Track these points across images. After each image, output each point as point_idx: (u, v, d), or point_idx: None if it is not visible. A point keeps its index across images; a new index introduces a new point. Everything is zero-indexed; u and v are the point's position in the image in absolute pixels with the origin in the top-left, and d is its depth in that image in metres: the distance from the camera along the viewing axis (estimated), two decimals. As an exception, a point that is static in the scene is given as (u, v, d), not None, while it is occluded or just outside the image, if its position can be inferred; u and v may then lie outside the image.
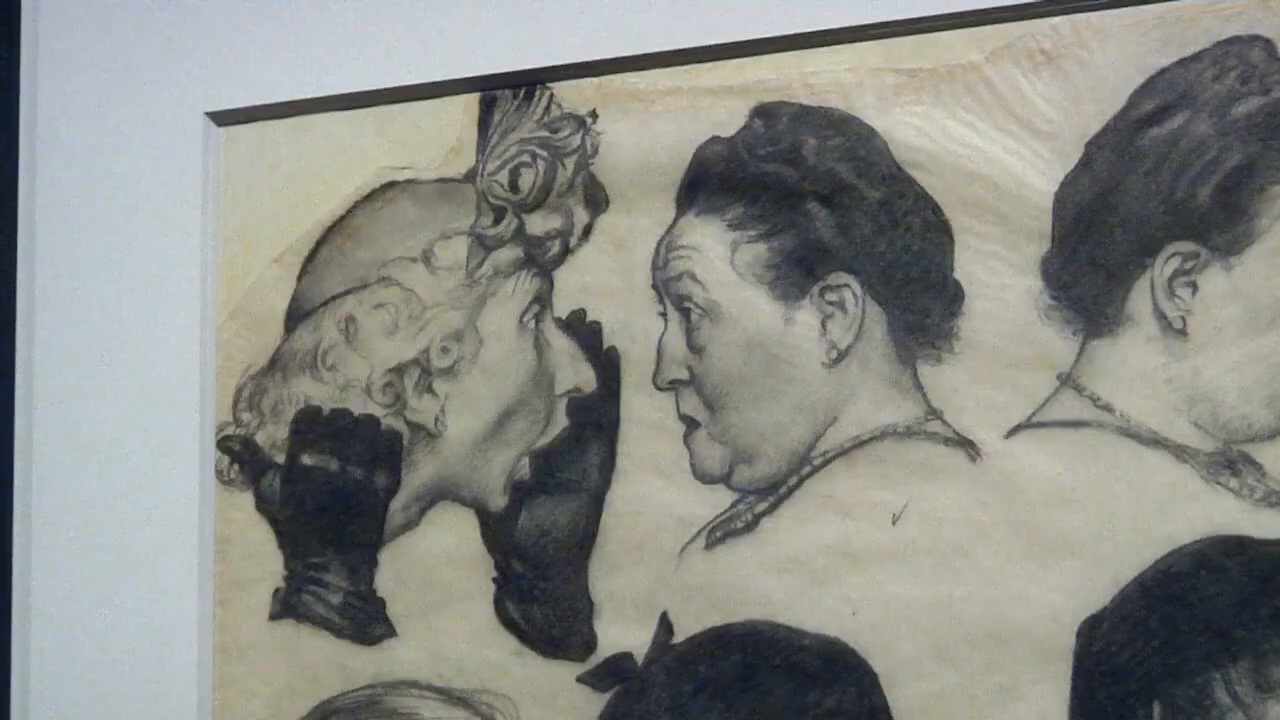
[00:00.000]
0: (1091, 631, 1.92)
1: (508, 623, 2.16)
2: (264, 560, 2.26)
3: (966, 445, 2.00)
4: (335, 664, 2.21)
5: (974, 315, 2.01)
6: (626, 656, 2.10)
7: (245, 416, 2.27)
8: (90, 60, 2.33)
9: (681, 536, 2.09)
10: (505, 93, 2.20)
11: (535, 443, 2.17)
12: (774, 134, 2.08)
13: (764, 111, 2.10)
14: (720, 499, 2.08)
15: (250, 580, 2.27)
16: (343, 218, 2.26)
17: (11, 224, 2.32)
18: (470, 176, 2.22)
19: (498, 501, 2.18)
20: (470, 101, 2.22)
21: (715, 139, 2.11)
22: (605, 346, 2.14)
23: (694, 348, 2.09)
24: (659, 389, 2.12)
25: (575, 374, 2.16)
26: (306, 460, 2.25)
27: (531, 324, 2.18)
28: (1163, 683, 1.88)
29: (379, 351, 2.24)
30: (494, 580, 2.17)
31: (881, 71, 2.05)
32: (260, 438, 2.27)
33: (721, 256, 2.08)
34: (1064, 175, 1.98)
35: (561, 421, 2.16)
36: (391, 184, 2.25)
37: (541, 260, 2.18)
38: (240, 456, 2.28)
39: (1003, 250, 1.99)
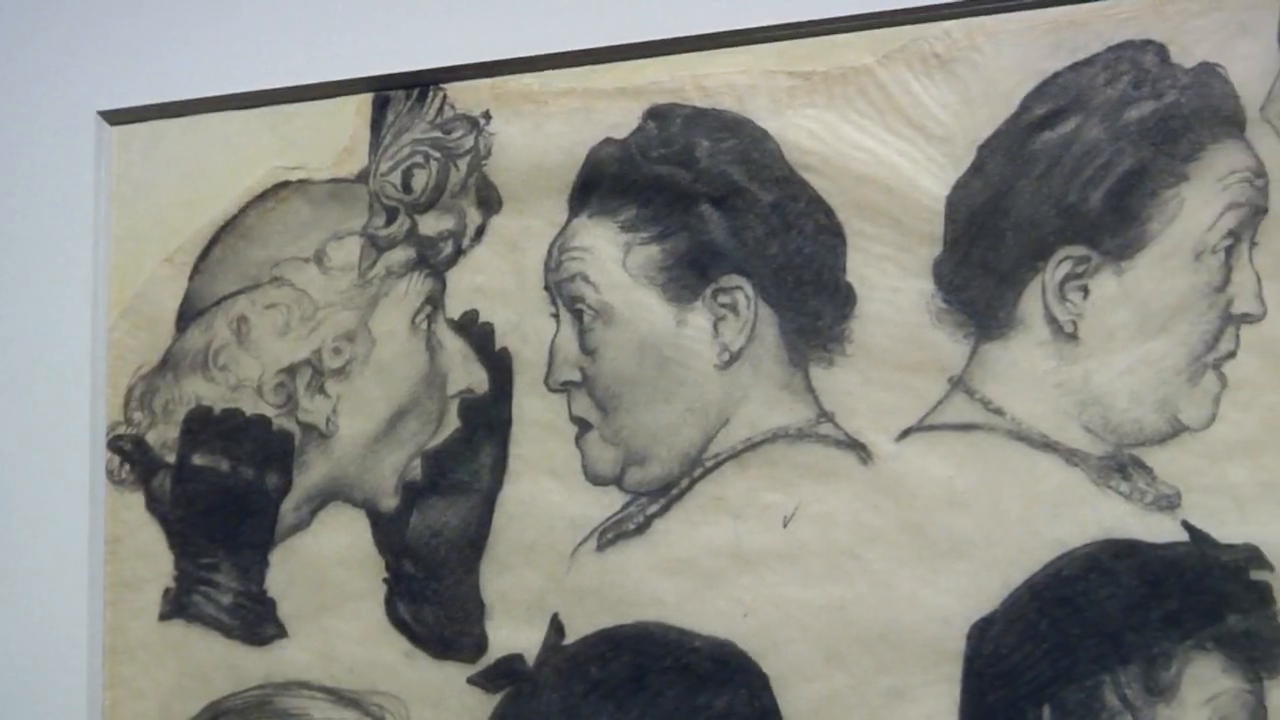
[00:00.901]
0: (982, 634, 1.84)
1: (399, 624, 2.04)
2: (154, 560, 2.13)
3: (858, 448, 1.91)
4: (226, 664, 2.08)
5: (866, 318, 1.92)
6: (517, 658, 1.99)
7: (136, 416, 2.15)
8: (-19, 58, 2.15)
9: (573, 538, 1.99)
10: (398, 93, 2.10)
11: (427, 443, 2.06)
12: (667, 136, 1.99)
13: (657, 113, 2.00)
14: (612, 500, 1.98)
15: (140, 580, 2.14)
16: (235, 217, 2.13)
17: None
18: (363, 177, 2.10)
19: (389, 502, 2.07)
20: (363, 102, 2.11)
21: (609, 141, 2.01)
22: (497, 347, 2.04)
23: (586, 349, 1.99)
24: (551, 390, 2.02)
25: (467, 375, 2.05)
26: (197, 460, 2.13)
27: (424, 325, 2.06)
28: (1053, 685, 1.81)
29: (271, 352, 2.11)
30: (385, 581, 2.05)
31: (774, 74, 1.96)
32: (151, 438, 2.14)
33: (614, 258, 1.98)
34: (956, 179, 1.90)
35: (453, 422, 2.05)
36: (284, 184, 2.13)
37: (434, 261, 2.07)
38: (131, 456, 2.15)
39: (895, 253, 1.91)
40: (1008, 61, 1.89)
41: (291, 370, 2.11)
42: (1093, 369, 1.85)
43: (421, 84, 2.09)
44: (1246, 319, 1.81)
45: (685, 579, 1.94)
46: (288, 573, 2.09)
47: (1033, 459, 1.86)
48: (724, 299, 1.95)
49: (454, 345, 2.07)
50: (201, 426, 2.13)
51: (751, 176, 1.96)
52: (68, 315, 2.18)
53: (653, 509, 1.97)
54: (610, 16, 2.02)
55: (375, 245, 2.09)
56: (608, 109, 2.02)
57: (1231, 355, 1.82)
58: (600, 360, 1.99)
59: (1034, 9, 1.87)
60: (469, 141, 2.07)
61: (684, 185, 1.97)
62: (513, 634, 2.00)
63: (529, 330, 2.03)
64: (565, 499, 2.00)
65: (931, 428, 1.89)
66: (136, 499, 2.17)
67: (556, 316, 2.02)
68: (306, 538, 2.10)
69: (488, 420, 2.04)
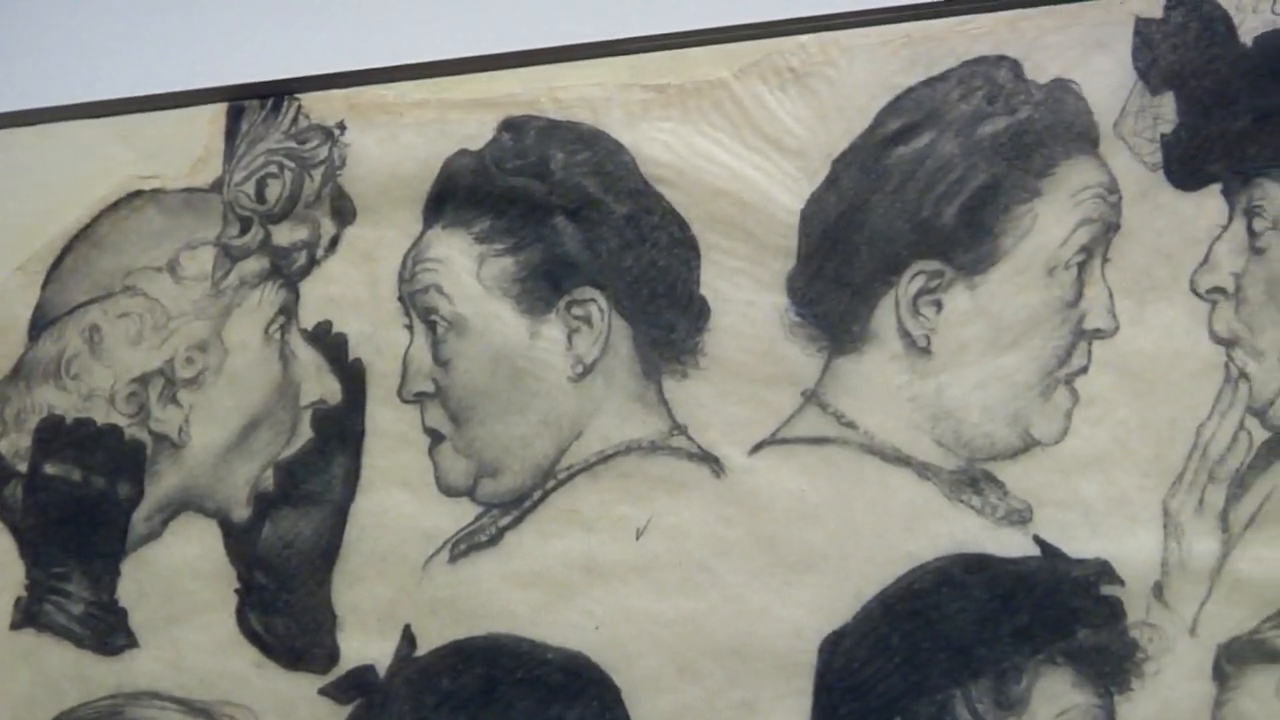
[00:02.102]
0: (833, 648, 1.72)
1: (250, 634, 1.88)
2: (5, 569, 1.93)
3: (711, 461, 1.77)
4: (76, 674, 1.90)
5: (720, 331, 1.77)
6: (369, 669, 1.84)
7: (-12, 425, 1.87)
8: None
9: (425, 549, 1.83)
10: (253, 103, 1.91)
11: (279, 454, 1.90)
12: (522, 148, 1.82)
13: (512, 125, 1.83)
14: (464, 512, 1.83)
15: (-9, 589, 1.87)
16: (88, 226, 1.94)
17: None
18: (217, 186, 1.91)
19: (241, 513, 1.90)
20: (218, 111, 1.92)
21: (463, 152, 1.84)
22: (351, 358, 1.87)
23: (440, 361, 1.83)
24: (404, 401, 1.85)
25: (320, 385, 1.89)
26: (49, 469, 1.93)
27: (277, 335, 1.90)
28: (904, 699, 1.70)
29: (123, 361, 1.92)
30: (237, 592, 1.89)
31: (630, 87, 1.81)
32: (3, 446, 1.95)
33: (468, 270, 1.83)
34: (810, 192, 1.75)
35: (306, 433, 1.89)
36: (138, 193, 1.93)
37: (288, 271, 1.90)
38: (-18, 465, 1.88)
39: (749, 267, 1.77)
40: (862, 76, 1.74)
41: (144, 380, 1.92)
42: (945, 383, 1.72)
43: (276, 94, 1.91)
44: (1098, 334, 1.69)
45: (537, 591, 1.79)
46: (139, 583, 1.90)
47: (885, 473, 1.72)
48: (578, 311, 1.80)
49: (307, 356, 1.90)
50: (53, 435, 1.93)
51: (606, 189, 1.80)
52: (-82, 323, 1.90)
53: (505, 521, 1.82)
54: (465, 28, 1.88)
55: (229, 255, 1.91)
56: (463, 120, 1.84)
57: (1083, 370, 1.70)
58: (453, 372, 1.83)
59: (889, 24, 1.74)
60: (324, 152, 1.90)
61: (538, 197, 1.81)
62: (364, 645, 1.84)
63: (382, 341, 1.86)
64: (418, 510, 1.84)
65: (784, 441, 1.75)
66: (-12, 508, 1.89)
67: (410, 328, 1.85)
68: (158, 548, 1.91)
69: (340, 431, 1.87)
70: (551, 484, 1.81)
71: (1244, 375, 1.64)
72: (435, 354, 1.84)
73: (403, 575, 1.83)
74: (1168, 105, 1.67)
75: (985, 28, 1.72)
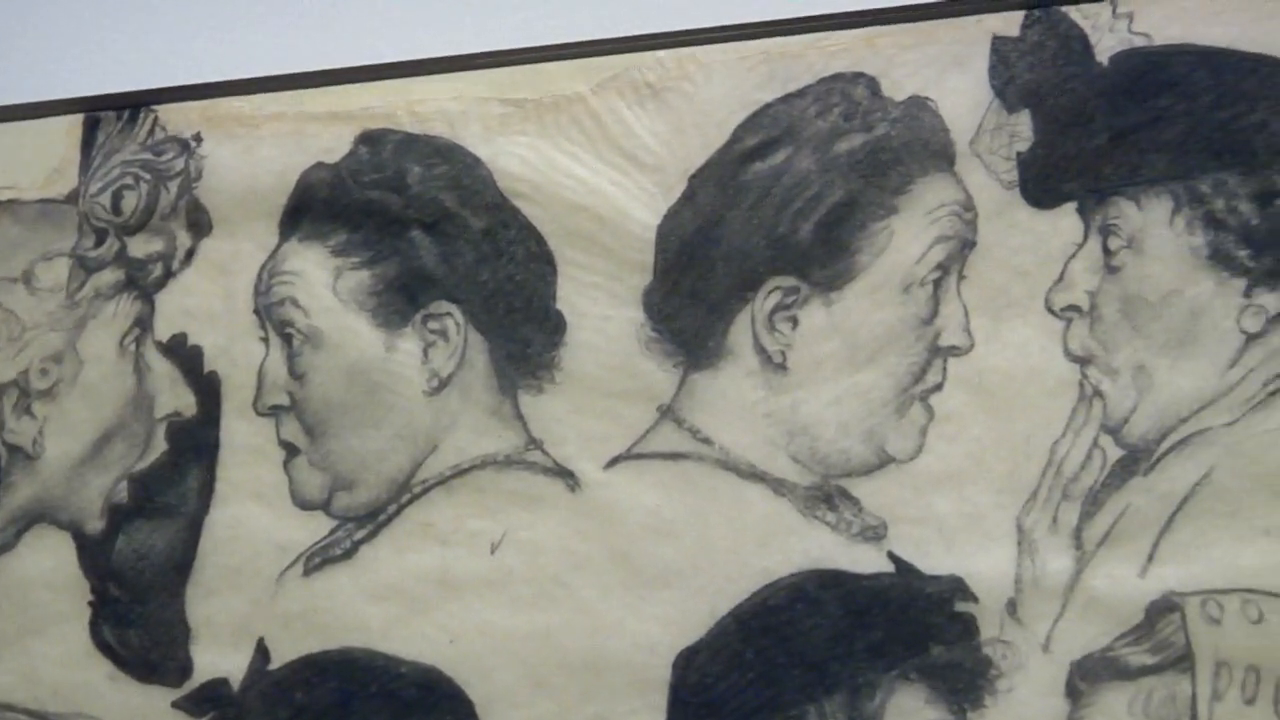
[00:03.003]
0: (688, 663, 1.51)
1: (103, 647, 1.67)
2: None
3: (566, 475, 1.57)
4: None
5: (576, 346, 1.57)
6: (222, 682, 1.63)
7: None
8: None
9: (280, 563, 1.62)
10: (109, 114, 1.71)
11: (134, 466, 1.68)
12: (379, 161, 1.63)
13: (369, 138, 1.64)
14: (319, 526, 1.62)
15: None
16: None
17: None
18: (72, 198, 1.71)
19: (95, 525, 1.68)
20: (74, 122, 1.72)
21: (320, 165, 1.65)
22: (206, 371, 1.67)
23: (295, 374, 1.63)
24: (260, 414, 1.65)
25: (175, 398, 1.67)
26: None
27: (132, 347, 1.69)
28: (758, 715, 1.49)
29: None
30: (90, 604, 1.68)
31: (487, 101, 1.62)
32: None
33: (324, 283, 1.62)
34: (667, 208, 1.55)
35: (161, 445, 1.67)
36: None
37: (143, 283, 1.69)
38: None
39: (605, 282, 1.57)
40: (719, 92, 1.55)
41: (-2, 391, 1.73)
42: (801, 399, 1.51)
43: (133, 105, 1.71)
44: (954, 351, 1.49)
45: (392, 605, 1.59)
46: (-8, 595, 1.71)
47: (740, 488, 1.52)
48: (434, 325, 1.61)
49: (162, 368, 1.68)
50: (-94, 446, 1.75)
51: (463, 203, 1.61)
52: None
53: (360, 535, 1.61)
54: (321, 41, 1.70)
55: (84, 266, 1.71)
56: (320, 133, 1.65)
57: (938, 387, 1.50)
58: (309, 385, 1.63)
59: (747, 40, 1.55)
60: (180, 164, 1.69)
61: (395, 211, 1.62)
62: (218, 658, 1.63)
63: (238, 354, 1.66)
64: (272, 523, 1.63)
65: (640, 456, 1.55)
66: None
67: (266, 340, 1.65)
68: (11, 560, 1.70)
69: (195, 444, 1.66)
70: (407, 498, 1.60)
71: (1098, 393, 1.46)
72: (291, 367, 1.64)
73: (257, 588, 1.63)
74: (1024, 123, 1.49)
75: (843, 45, 1.54)
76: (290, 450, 1.64)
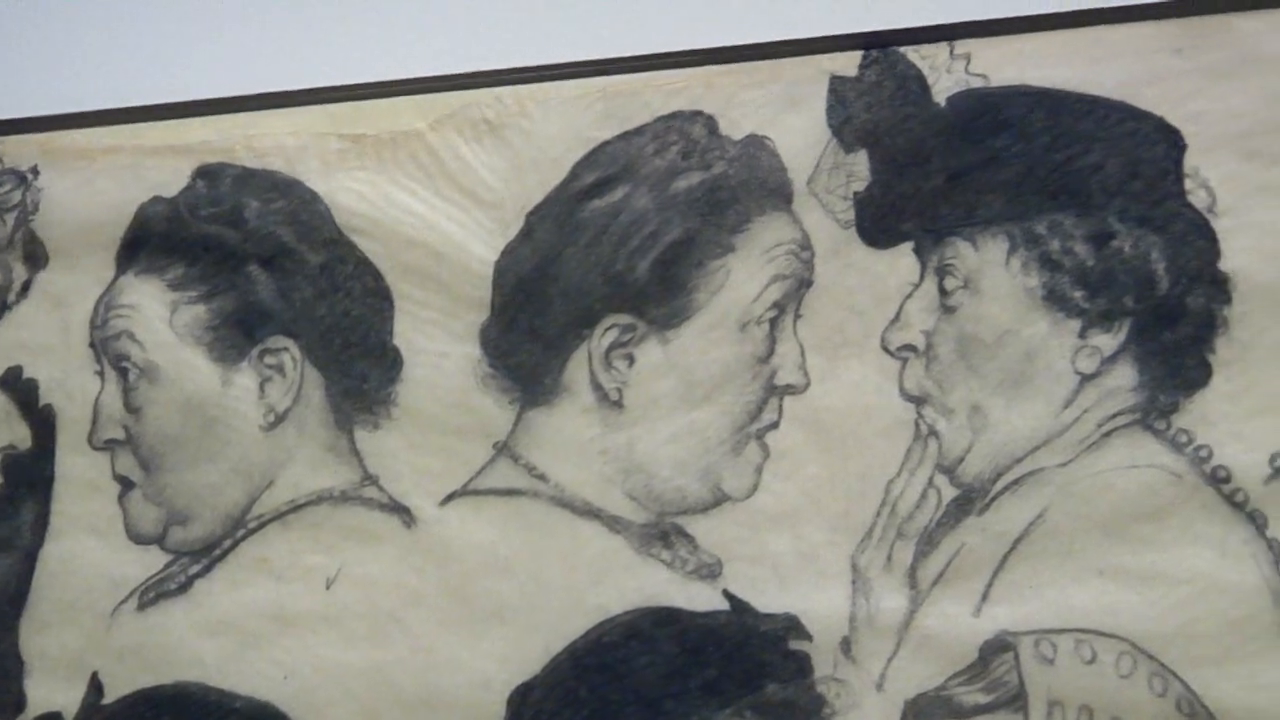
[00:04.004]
0: (522, 699, 1.32)
1: None
2: None
3: (401, 511, 1.37)
4: None
5: (412, 382, 1.38)
6: (56, 716, 1.42)
7: None
8: None
9: (114, 597, 1.41)
10: None
11: None
12: (216, 195, 1.44)
13: (207, 172, 1.45)
14: (154, 560, 1.41)
15: None
16: None
17: None
18: None
19: None
20: None
21: (157, 199, 1.45)
22: (41, 404, 1.46)
23: (131, 408, 1.43)
24: (95, 448, 1.44)
25: (9, 431, 1.47)
26: None
27: None
28: None
29: None
30: None
31: (325, 136, 1.43)
32: None
33: (161, 316, 1.43)
34: (505, 244, 1.37)
35: None
36: None
37: None
38: None
39: (442, 318, 1.38)
40: (557, 129, 1.38)
41: None
42: (637, 437, 1.33)
43: None
44: (790, 390, 1.31)
45: (226, 639, 1.39)
46: None
47: (575, 525, 1.33)
48: (270, 360, 1.41)
49: None
50: None
51: (300, 238, 1.42)
52: None
53: (195, 569, 1.40)
54: (158, 74, 1.49)
55: None
56: (157, 167, 1.46)
57: (774, 426, 1.31)
58: (144, 419, 1.43)
59: (584, 78, 1.37)
60: (16, 196, 1.49)
61: (232, 245, 1.43)
62: (51, 692, 1.42)
63: (74, 387, 1.46)
64: (107, 557, 1.43)
65: (475, 492, 1.36)
66: None
67: (101, 374, 1.45)
68: None
69: (29, 477, 1.46)
70: (242, 533, 1.41)
71: (933, 433, 1.28)
72: (127, 401, 1.44)
73: (91, 622, 1.42)
74: (861, 163, 1.32)
75: (681, 83, 1.36)
76: (125, 484, 1.44)
